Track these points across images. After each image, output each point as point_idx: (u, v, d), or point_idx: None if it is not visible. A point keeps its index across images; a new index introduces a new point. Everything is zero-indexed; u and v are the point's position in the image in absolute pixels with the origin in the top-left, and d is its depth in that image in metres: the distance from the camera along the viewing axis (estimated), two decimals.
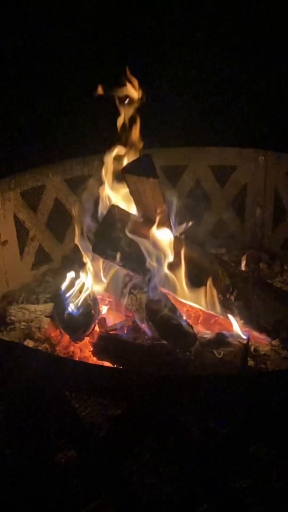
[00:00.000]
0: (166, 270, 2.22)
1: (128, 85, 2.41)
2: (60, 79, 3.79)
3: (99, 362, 2.08)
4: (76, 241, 2.37)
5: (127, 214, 2.34)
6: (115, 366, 2.06)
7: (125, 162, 2.38)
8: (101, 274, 2.38)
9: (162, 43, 3.85)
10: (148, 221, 2.29)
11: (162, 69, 3.71)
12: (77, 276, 2.39)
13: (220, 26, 3.83)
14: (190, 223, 2.45)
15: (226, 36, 3.84)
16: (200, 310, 2.31)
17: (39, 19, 3.74)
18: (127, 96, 2.40)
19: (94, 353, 2.12)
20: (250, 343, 2.16)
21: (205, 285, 2.22)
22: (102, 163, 2.43)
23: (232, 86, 3.89)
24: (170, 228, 2.32)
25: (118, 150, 2.40)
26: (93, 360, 2.11)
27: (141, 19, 3.78)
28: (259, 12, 3.81)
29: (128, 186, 2.32)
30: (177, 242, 2.28)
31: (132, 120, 2.42)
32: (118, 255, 2.25)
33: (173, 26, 3.87)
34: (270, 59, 3.84)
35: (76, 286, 2.36)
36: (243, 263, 2.65)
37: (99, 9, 3.68)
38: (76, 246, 2.38)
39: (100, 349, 2.10)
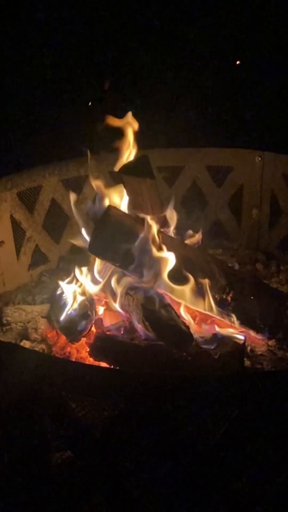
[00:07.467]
0: (163, 270, 2.22)
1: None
2: (58, 79, 3.79)
3: (96, 363, 2.08)
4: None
5: (124, 214, 2.34)
6: (112, 366, 2.06)
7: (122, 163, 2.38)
8: (98, 274, 2.38)
9: (162, 43, 3.86)
10: (145, 222, 2.29)
11: (161, 69, 3.71)
12: (73, 277, 2.38)
13: (220, 26, 3.83)
14: (187, 224, 2.45)
15: (225, 36, 3.85)
16: (197, 310, 2.31)
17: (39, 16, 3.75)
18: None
19: (91, 353, 2.11)
20: (246, 343, 2.16)
21: (202, 285, 2.22)
22: (98, 164, 2.42)
23: (229, 87, 3.90)
24: (167, 228, 2.32)
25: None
26: (90, 360, 2.11)
27: (140, 18, 3.79)
28: (259, 11, 3.82)
29: (125, 187, 2.32)
30: (174, 242, 2.28)
31: None
32: (115, 256, 2.25)
33: (173, 25, 3.87)
34: (269, 58, 3.85)
35: (73, 287, 2.35)
36: (241, 264, 2.65)
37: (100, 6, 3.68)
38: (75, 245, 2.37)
39: (97, 349, 2.10)
